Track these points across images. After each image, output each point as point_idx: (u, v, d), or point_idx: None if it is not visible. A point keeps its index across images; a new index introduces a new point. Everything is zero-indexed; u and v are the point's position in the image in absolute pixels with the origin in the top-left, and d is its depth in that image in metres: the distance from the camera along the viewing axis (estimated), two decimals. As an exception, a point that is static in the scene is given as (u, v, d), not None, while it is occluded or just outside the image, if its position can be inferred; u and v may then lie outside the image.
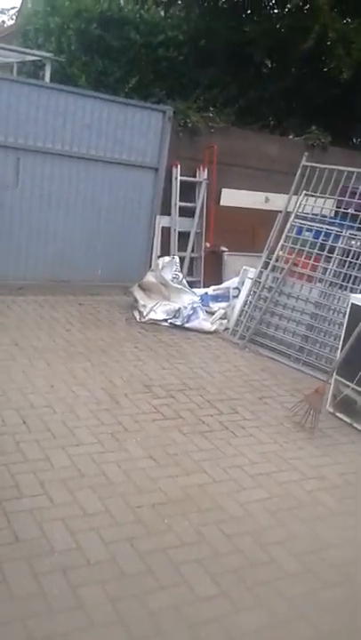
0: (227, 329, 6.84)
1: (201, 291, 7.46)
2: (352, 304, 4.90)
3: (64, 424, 4.09)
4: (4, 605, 2.50)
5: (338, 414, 4.93)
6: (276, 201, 8.13)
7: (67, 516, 3.11)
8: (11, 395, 4.40)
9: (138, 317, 6.74)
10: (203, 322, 6.76)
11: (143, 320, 6.66)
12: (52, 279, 7.28)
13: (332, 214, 6.71)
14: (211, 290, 7.48)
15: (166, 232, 7.95)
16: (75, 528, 3.03)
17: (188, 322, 6.70)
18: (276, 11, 10.57)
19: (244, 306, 6.71)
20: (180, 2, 10.80)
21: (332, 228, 6.29)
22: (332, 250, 6.21)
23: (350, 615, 2.77)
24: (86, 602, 2.58)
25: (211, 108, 8.90)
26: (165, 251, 7.87)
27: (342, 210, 6.41)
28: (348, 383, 4.81)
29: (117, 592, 2.66)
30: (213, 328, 6.75)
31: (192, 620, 2.57)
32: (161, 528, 3.16)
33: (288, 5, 9.56)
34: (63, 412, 4.26)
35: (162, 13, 10.52)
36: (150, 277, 7.11)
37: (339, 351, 5.11)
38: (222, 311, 7.05)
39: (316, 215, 6.52)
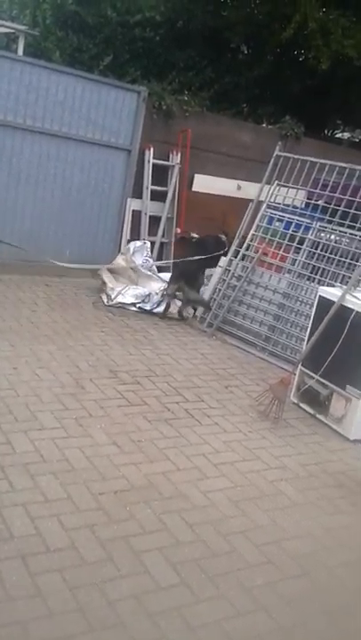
0: (195, 316, 6.82)
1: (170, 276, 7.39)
2: (319, 296, 4.92)
3: (27, 407, 4.02)
4: None
5: (302, 405, 4.97)
6: (248, 189, 8.11)
7: (27, 502, 3.06)
8: (-27, 376, 4.31)
9: (105, 301, 6.66)
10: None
11: (111, 303, 6.59)
12: (19, 258, 7.12)
13: (303, 205, 6.72)
14: (180, 276, 7.41)
15: (137, 215, 7.86)
16: (35, 514, 2.99)
17: (157, 307, 6.65)
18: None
19: (213, 294, 6.69)
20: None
21: (303, 219, 6.30)
22: (301, 241, 6.22)
23: (309, 607, 2.79)
24: (45, 589, 2.54)
25: (185, 92, 8.81)
26: (135, 234, 7.79)
27: (313, 202, 6.42)
28: (312, 375, 4.84)
29: (77, 580, 2.63)
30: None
31: (152, 610, 2.55)
32: (123, 516, 3.13)
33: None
34: (26, 396, 4.18)
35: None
36: (120, 261, 7.03)
37: (305, 342, 5.13)
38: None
39: (288, 206, 6.52)
